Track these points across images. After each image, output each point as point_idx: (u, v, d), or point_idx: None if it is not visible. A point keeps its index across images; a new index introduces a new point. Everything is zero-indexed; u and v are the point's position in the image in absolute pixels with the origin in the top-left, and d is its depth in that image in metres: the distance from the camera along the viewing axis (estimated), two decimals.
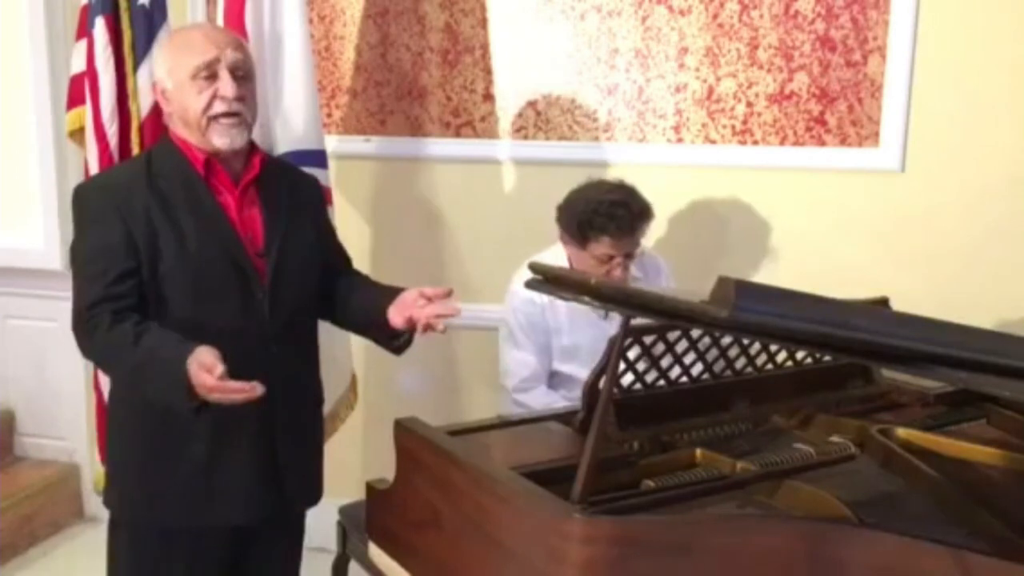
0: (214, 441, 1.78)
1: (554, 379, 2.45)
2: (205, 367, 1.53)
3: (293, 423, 1.89)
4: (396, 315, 1.82)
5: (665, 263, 2.54)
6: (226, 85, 1.77)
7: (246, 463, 1.82)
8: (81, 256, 1.78)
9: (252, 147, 1.89)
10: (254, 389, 1.53)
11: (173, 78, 1.80)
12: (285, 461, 1.87)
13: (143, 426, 1.81)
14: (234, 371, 1.75)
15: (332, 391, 2.72)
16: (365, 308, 1.93)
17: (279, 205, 1.87)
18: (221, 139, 1.78)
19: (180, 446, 1.79)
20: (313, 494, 2.01)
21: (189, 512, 1.81)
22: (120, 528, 1.89)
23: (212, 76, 1.77)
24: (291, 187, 1.95)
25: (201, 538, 1.84)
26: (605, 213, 2.23)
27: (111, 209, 1.74)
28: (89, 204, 1.79)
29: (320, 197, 2.07)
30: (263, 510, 1.86)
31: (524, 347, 2.40)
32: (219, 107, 1.77)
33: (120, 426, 1.88)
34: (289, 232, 1.86)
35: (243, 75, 1.81)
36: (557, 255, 2.38)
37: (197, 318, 1.75)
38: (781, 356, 1.86)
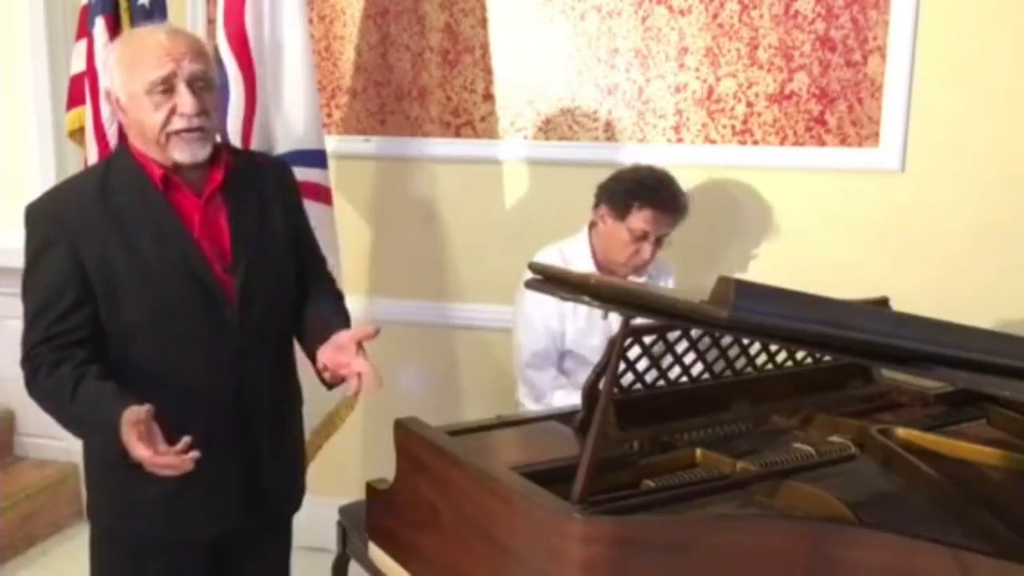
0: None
1: (566, 361, 2.46)
2: (134, 422, 1.49)
3: (271, 431, 1.86)
4: (323, 354, 1.74)
5: (672, 266, 2.56)
6: (185, 101, 1.65)
7: (223, 475, 1.77)
8: (29, 290, 1.70)
9: (215, 152, 1.77)
10: (184, 463, 1.50)
11: (127, 91, 1.69)
12: (265, 470, 1.84)
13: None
14: (204, 390, 1.75)
15: (332, 391, 2.72)
16: (306, 338, 1.85)
17: (247, 211, 1.78)
18: (182, 154, 1.69)
19: None
20: (294, 500, 1.99)
21: (165, 523, 1.77)
22: (99, 535, 1.87)
23: (169, 90, 1.66)
24: (260, 184, 1.84)
25: (179, 546, 1.81)
26: (653, 186, 2.31)
27: (61, 238, 1.67)
28: (38, 232, 1.70)
29: (291, 184, 1.95)
30: (240, 520, 1.83)
31: (534, 325, 2.41)
32: (179, 123, 1.67)
33: None
34: (259, 243, 1.78)
35: (203, 86, 1.70)
36: (579, 244, 2.44)
37: (161, 339, 1.71)
38: (781, 356, 1.86)
